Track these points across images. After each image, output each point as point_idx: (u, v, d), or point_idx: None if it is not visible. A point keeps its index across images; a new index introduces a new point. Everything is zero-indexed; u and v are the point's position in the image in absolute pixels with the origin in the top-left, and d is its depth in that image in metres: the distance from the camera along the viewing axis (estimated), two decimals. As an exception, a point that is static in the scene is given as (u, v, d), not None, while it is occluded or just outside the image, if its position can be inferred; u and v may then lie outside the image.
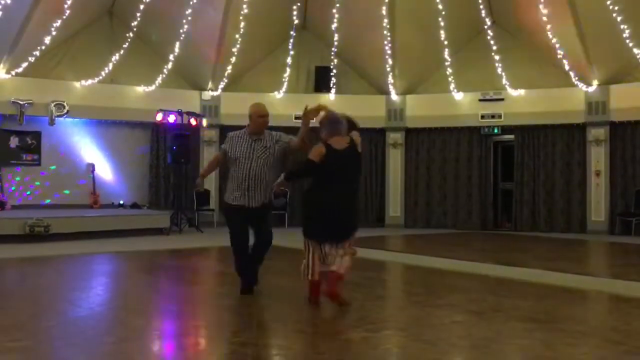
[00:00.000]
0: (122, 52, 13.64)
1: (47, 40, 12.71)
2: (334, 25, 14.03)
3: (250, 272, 5.67)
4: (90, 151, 13.89)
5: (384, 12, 13.49)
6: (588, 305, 5.96)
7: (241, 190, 5.55)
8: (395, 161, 14.75)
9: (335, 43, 14.32)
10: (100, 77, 13.54)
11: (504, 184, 14.83)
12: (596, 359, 3.84)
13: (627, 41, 12.16)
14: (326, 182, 5.22)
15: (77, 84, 13.39)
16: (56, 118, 13.07)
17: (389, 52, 13.97)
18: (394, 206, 14.75)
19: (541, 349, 4.01)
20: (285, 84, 14.53)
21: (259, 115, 5.80)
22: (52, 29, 12.61)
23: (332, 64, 14.65)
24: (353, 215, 5.45)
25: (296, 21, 14.40)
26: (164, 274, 7.68)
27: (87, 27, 13.93)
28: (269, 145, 5.66)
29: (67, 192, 13.58)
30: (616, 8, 11.82)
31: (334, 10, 13.85)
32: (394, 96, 14.68)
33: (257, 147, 5.64)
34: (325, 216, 5.17)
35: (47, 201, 13.28)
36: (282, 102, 14.19)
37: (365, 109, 14.62)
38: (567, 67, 13.18)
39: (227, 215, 5.90)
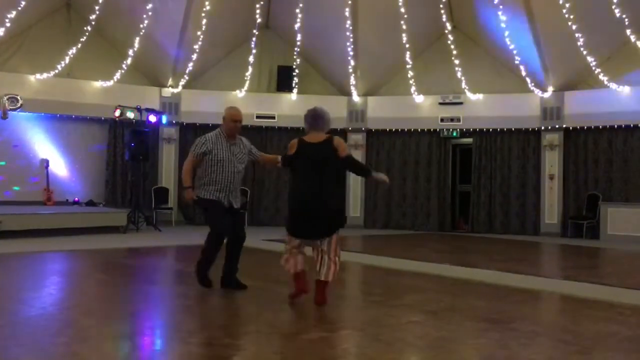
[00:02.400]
0: (79, 45, 13.35)
1: (1, 31, 12.33)
2: (297, 25, 14.03)
3: (209, 269, 5.77)
4: (44, 147, 13.53)
5: (347, 13, 13.56)
6: (541, 306, 6.11)
7: (225, 193, 5.66)
8: (355, 162, 14.80)
9: (298, 43, 14.33)
10: (57, 71, 13.22)
11: (462, 186, 15.09)
12: (548, 359, 3.94)
13: (582, 49, 12.53)
14: (297, 176, 5.29)
15: (32, 77, 13.04)
16: (9, 112, 12.67)
17: (351, 53, 14.05)
18: (354, 207, 14.83)
19: (495, 348, 4.08)
20: (247, 82, 14.46)
21: (233, 120, 5.76)
22: (7, 20, 12.24)
23: (294, 64, 14.64)
24: (326, 213, 5.10)
25: (259, 20, 14.34)
26: (120, 273, 7.52)
27: (44, 19, 13.59)
28: (244, 150, 5.85)
29: (18, 188, 13.20)
30: (571, 17, 12.18)
31: (297, 11, 13.85)
32: (356, 97, 14.77)
33: (235, 150, 5.76)
34: (295, 210, 5.21)
35: (-1, 197, 12.88)
36: (244, 101, 14.11)
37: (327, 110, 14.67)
38: (523, 73, 13.51)
39: (211, 208, 5.72)
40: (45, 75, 13.09)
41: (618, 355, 4.02)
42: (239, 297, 5.64)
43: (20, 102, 12.73)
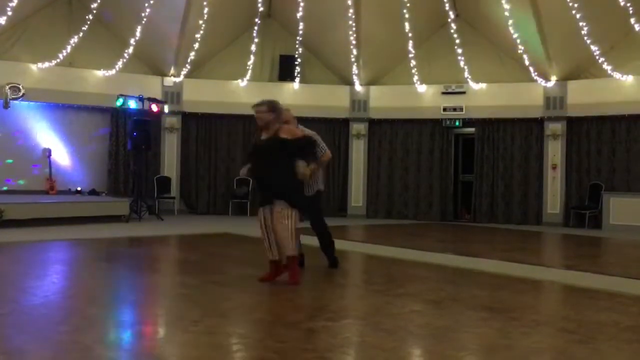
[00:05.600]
0: (81, 34, 13.30)
1: (3, 20, 12.29)
2: (299, 14, 13.96)
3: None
4: (46, 136, 13.54)
5: (349, 2, 13.48)
6: (542, 295, 6.12)
7: None
8: (358, 152, 14.83)
9: (300, 32, 14.26)
10: (59, 60, 13.19)
11: (464, 176, 15.08)
12: (549, 348, 3.94)
13: (585, 38, 12.46)
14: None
15: (33, 67, 13.01)
16: (11, 101, 12.67)
17: (353, 42, 13.99)
18: (356, 196, 14.84)
19: (497, 337, 4.10)
20: (249, 72, 14.41)
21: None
22: (8, 9, 12.20)
23: (296, 53, 14.59)
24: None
25: (261, 9, 14.27)
26: (122, 262, 7.55)
27: (45, 8, 13.54)
28: None
29: (21, 178, 13.23)
30: (575, 5, 12.10)
31: (300, -1, 13.78)
32: (358, 87, 14.72)
33: None
34: None
35: (2, 187, 12.90)
36: (246, 91, 14.08)
37: (329, 99, 14.68)
38: (527, 62, 13.45)
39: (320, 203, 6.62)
40: (47, 64, 13.06)
41: (619, 344, 4.03)
42: (241, 286, 5.66)
43: (22, 91, 12.71)
